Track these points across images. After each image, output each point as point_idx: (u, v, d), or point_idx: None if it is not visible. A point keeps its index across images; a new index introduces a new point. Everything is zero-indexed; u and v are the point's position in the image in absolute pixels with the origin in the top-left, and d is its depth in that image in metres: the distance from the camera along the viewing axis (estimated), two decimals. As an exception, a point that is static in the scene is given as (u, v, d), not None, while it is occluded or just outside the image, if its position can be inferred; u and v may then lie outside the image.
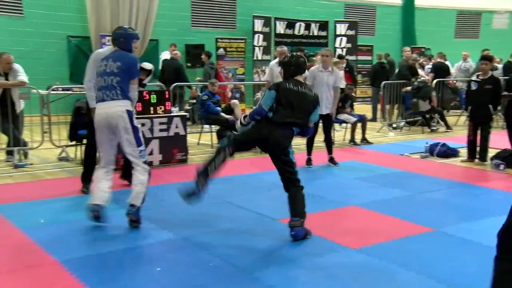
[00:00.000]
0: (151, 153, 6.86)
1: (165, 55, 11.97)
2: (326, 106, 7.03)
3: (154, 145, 6.91)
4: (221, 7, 14.46)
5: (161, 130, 7.00)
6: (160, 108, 7.05)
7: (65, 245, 4.01)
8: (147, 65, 6.52)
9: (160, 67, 11.42)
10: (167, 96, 7.33)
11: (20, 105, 7.17)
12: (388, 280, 3.46)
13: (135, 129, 4.32)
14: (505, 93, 7.31)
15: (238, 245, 4.11)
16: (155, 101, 7.00)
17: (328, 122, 7.21)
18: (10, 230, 4.33)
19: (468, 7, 18.88)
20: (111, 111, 4.23)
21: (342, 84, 9.25)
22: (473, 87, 7.38)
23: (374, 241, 4.16)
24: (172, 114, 7.29)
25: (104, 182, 4.44)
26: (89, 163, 5.52)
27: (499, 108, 11.67)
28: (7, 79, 6.91)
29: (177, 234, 4.30)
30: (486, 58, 7.42)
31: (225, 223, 4.64)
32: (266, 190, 5.85)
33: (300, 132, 4.33)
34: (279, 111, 4.12)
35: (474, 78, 7.62)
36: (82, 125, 7.08)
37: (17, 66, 7.02)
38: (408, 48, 12.83)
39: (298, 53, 4.58)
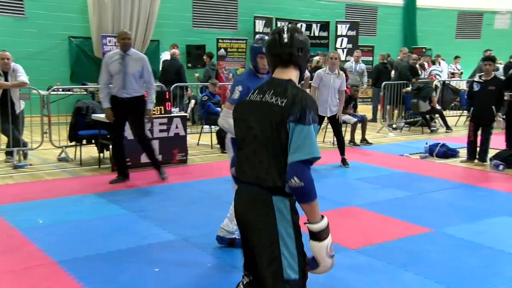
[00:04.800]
0: (151, 154, 6.88)
1: (165, 55, 11.98)
2: (331, 109, 7.11)
3: (154, 145, 6.91)
4: (222, 8, 14.45)
5: (161, 131, 7.00)
6: (160, 109, 7.07)
7: (64, 246, 4.01)
8: None
9: (160, 67, 11.43)
10: (167, 96, 7.34)
11: (20, 105, 7.15)
12: (387, 281, 3.45)
13: None
14: (509, 93, 7.30)
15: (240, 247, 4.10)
16: (155, 101, 7.01)
17: (335, 124, 7.27)
18: (9, 231, 4.32)
19: (469, 8, 18.84)
20: None
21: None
22: (476, 88, 7.35)
23: (375, 242, 4.14)
24: (172, 114, 7.29)
25: None
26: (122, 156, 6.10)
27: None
28: (6, 79, 6.90)
29: (177, 235, 4.30)
30: (490, 59, 7.39)
31: (224, 224, 4.63)
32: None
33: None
34: None
35: (476, 79, 7.60)
36: (83, 126, 7.12)
37: (17, 66, 7.01)
38: (406, 49, 12.82)
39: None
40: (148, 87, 5.99)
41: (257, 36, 3.77)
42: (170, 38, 12.62)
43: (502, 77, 11.36)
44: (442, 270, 3.61)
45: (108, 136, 6.60)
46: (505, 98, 7.40)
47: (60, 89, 9.47)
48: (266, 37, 3.56)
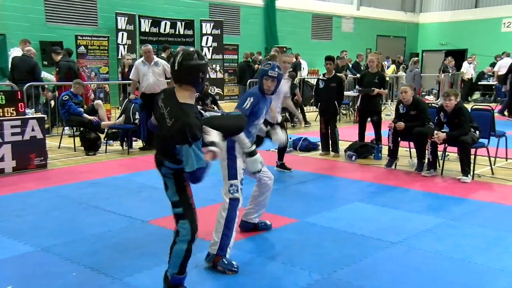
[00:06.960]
0: (1, 159, 6.27)
1: (15, 51, 10.91)
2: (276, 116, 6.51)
3: (6, 150, 6.30)
4: (79, 2, 13.64)
5: (13, 134, 6.40)
6: (12, 110, 6.46)
7: None
8: None
9: (9, 64, 10.39)
10: (19, 96, 6.74)
11: None
12: (256, 272, 3.58)
13: None
14: (360, 88, 8.07)
15: (107, 251, 3.93)
16: (3, 102, 6.41)
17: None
18: None
19: (321, 11, 20.38)
20: None
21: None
22: (321, 85, 7.96)
23: (244, 236, 4.27)
24: (27, 116, 6.71)
25: None
26: None
27: (350, 103, 12.79)
28: None
29: (36, 246, 3.97)
30: (330, 59, 7.99)
31: (92, 229, 4.40)
32: (136, 192, 5.69)
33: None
34: None
35: (321, 77, 8.22)
36: None
37: None
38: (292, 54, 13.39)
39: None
40: None
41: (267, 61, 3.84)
42: (20, 33, 11.57)
43: (350, 75, 12.48)
44: (306, 256, 3.85)
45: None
46: (354, 93, 8.16)
47: None
48: (275, 63, 4.07)
